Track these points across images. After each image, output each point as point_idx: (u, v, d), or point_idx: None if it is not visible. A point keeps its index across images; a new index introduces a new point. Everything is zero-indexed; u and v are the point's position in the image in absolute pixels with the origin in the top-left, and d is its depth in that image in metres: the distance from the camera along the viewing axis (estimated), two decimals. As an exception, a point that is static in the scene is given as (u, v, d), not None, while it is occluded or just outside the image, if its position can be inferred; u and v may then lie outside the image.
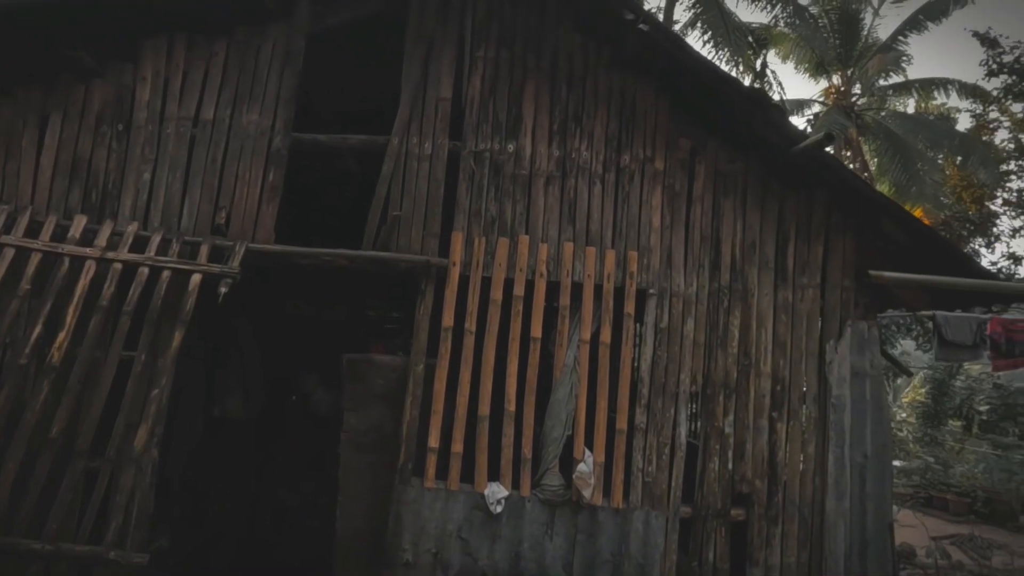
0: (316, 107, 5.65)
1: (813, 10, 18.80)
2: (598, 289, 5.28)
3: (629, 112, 5.44)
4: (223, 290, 4.80)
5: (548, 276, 5.27)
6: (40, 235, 4.88)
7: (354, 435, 5.38)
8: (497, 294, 5.25)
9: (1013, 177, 19.31)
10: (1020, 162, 19.03)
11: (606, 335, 5.25)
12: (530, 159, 5.37)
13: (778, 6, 18.03)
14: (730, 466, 5.21)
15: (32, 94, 5.24)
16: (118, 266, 4.82)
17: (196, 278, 4.84)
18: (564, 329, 5.24)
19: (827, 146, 4.82)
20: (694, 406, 6.15)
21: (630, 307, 5.28)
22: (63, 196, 5.14)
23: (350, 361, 5.37)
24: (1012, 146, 19.11)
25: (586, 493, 4.97)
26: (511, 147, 5.37)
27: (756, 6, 18.10)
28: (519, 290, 5.25)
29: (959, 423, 19.40)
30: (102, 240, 4.91)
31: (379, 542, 5.27)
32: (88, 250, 4.84)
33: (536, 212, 5.34)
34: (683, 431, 5.24)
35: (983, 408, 19.59)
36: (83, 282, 4.75)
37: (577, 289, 5.28)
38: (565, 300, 5.26)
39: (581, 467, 4.98)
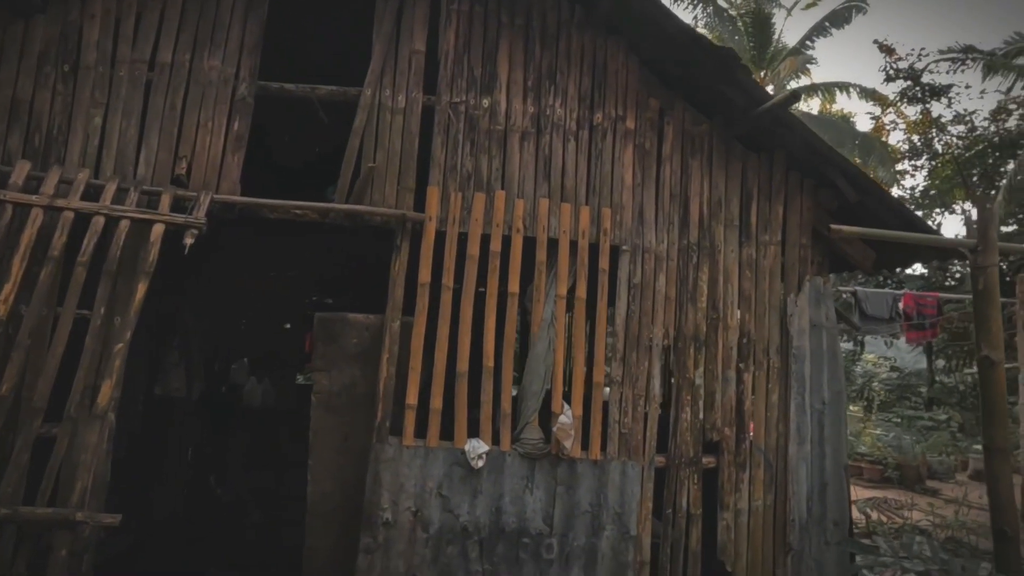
0: (282, 56, 5.39)
1: (732, 12, 19.68)
2: (573, 245, 5.32)
3: (601, 71, 5.51)
4: (189, 241, 4.52)
5: (525, 232, 5.25)
6: (-30, 179, 4.42)
7: (325, 396, 5.19)
8: (474, 249, 5.18)
9: (907, 176, 20.90)
10: (913, 162, 20.59)
11: (581, 290, 5.29)
12: (505, 114, 5.34)
13: (699, 7, 18.78)
14: (701, 416, 5.35)
15: (-39, 29, 4.75)
16: (69, 215, 4.44)
17: (158, 228, 4.52)
18: (541, 284, 5.24)
19: (792, 105, 5.04)
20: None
21: (604, 263, 5.33)
22: (0, 140, 4.68)
23: (322, 320, 5.17)
24: (906, 147, 20.66)
25: (567, 444, 4.98)
26: (486, 102, 5.32)
27: (678, 6, 18.80)
28: (496, 245, 5.21)
29: (861, 404, 20.80)
30: (49, 187, 4.51)
31: (352, 504, 5.11)
32: (34, 198, 4.43)
33: (512, 168, 5.31)
34: (657, 383, 5.34)
35: (881, 390, 21.08)
36: (30, 231, 4.35)
37: (553, 245, 5.29)
38: (542, 256, 5.26)
39: (562, 419, 4.99)
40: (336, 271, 9.20)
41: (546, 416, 5.15)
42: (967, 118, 18.11)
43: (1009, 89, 17.21)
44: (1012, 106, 17.59)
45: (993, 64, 15.79)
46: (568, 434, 4.98)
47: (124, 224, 4.48)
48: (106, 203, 4.52)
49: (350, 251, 8.26)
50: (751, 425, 5.40)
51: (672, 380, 5.43)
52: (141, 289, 4.33)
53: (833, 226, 5.21)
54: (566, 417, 5.00)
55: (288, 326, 11.60)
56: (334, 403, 5.20)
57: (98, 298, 4.28)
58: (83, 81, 4.82)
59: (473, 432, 5.04)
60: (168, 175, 4.82)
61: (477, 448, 4.97)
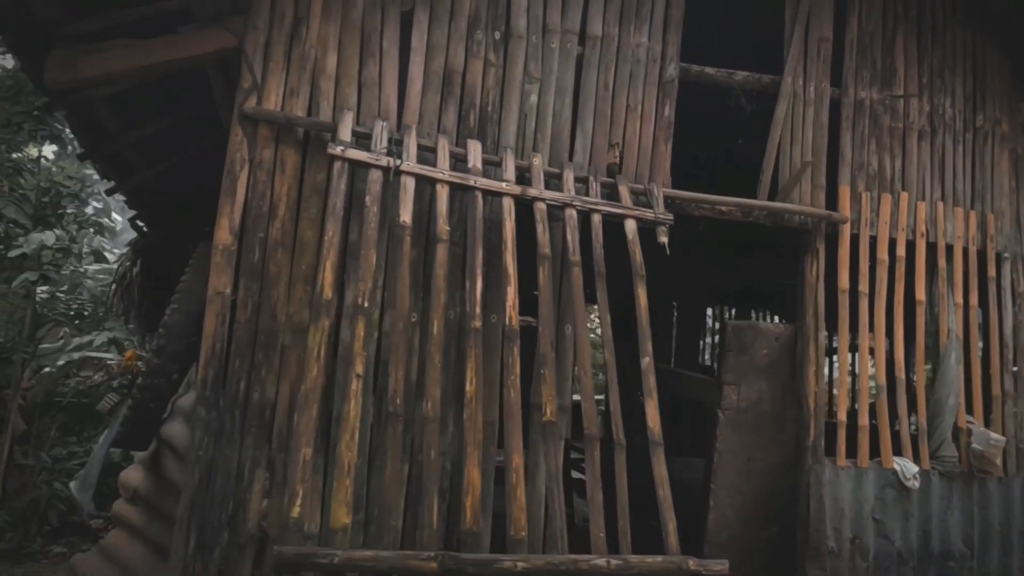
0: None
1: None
2: (964, 251, 5.14)
3: (981, 72, 5.40)
4: (664, 239, 4.02)
5: (927, 236, 5.02)
6: (437, 163, 3.76)
7: (733, 413, 4.79)
8: (884, 254, 4.92)
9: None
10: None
11: (973, 298, 5.14)
12: (903, 112, 5.09)
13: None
14: (1081, 429, 5.29)
15: (392, -19, 4.04)
16: (542, 206, 3.87)
17: (631, 224, 4.01)
18: (945, 292, 5.02)
19: None
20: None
21: (992, 270, 5.20)
22: (435, 115, 4.03)
23: (735, 328, 4.77)
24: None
25: (999, 462, 4.78)
26: (886, 97, 5.05)
27: None
28: (901, 250, 4.96)
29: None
30: (509, 173, 3.89)
31: (750, 535, 4.77)
32: (504, 185, 3.81)
33: (911, 168, 5.10)
34: (1042, 395, 5.23)
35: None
36: (509, 224, 3.74)
37: (948, 251, 5.10)
38: (942, 262, 5.06)
39: (994, 436, 4.81)
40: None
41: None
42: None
43: None
44: None
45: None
46: (1000, 452, 4.78)
47: (597, 219, 3.96)
48: (570, 193, 3.94)
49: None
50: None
51: (1055, 392, 5.33)
52: (642, 294, 3.80)
53: None
54: (998, 435, 4.80)
55: None
56: (740, 420, 4.81)
57: (600, 304, 3.71)
58: (515, 51, 4.22)
59: (895, 450, 4.76)
60: (603, 164, 4.28)
61: (909, 468, 4.70)
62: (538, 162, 4.04)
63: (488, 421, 3.68)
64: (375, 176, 3.59)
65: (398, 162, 3.57)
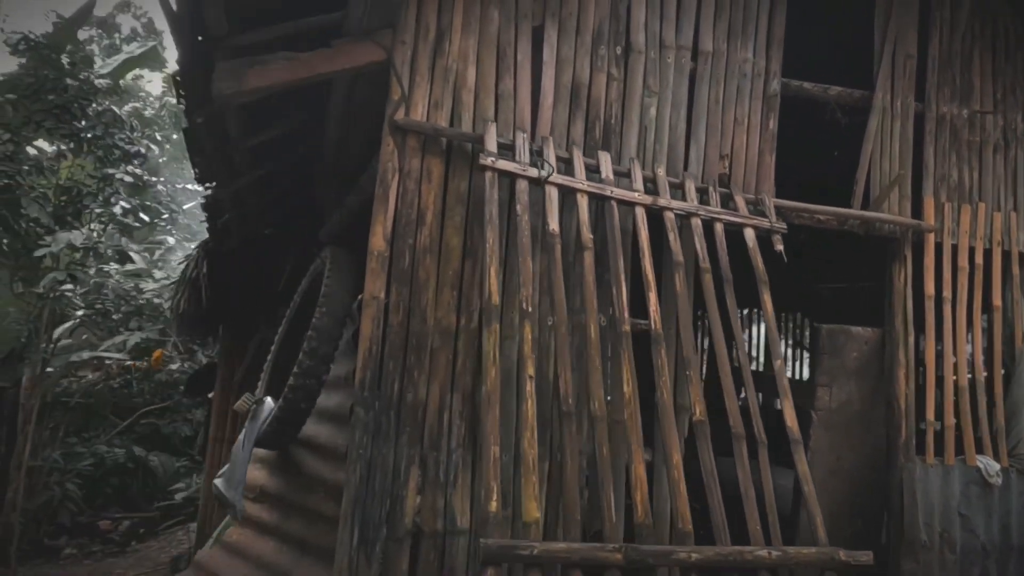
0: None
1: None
2: (1031, 260, 5.43)
3: (1049, 89, 5.64)
4: (780, 247, 4.23)
5: (1002, 245, 5.29)
6: (575, 173, 3.93)
7: (825, 414, 5.02)
8: (963, 261, 5.18)
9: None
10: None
11: (1043, 305, 5.40)
12: (980, 126, 5.35)
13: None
14: None
15: (522, -2, 4.21)
16: (671, 215, 4.07)
17: (750, 233, 4.23)
18: (1019, 297, 5.29)
19: None
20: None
21: (1062, 280, 5.46)
22: (565, 127, 4.21)
23: (829, 332, 5.00)
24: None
25: (1074, 460, 5.05)
26: (965, 112, 5.31)
27: None
28: (979, 258, 5.21)
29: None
30: (638, 183, 4.08)
31: (838, 533, 4.94)
32: (635, 195, 4.00)
33: (986, 179, 5.37)
34: (1104, 396, 5.51)
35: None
36: (644, 233, 3.93)
37: (1021, 258, 5.37)
38: (1016, 269, 5.33)
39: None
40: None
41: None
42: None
43: None
44: None
45: None
46: (1075, 450, 5.05)
47: (719, 227, 4.16)
48: (693, 203, 4.14)
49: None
50: None
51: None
52: (768, 300, 4.01)
53: None
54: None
55: None
56: (832, 421, 5.03)
57: (730, 310, 3.91)
58: (635, 66, 4.40)
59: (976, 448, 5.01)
60: (715, 175, 4.48)
61: (992, 465, 4.96)
62: (662, 173, 4.23)
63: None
64: (522, 186, 3.76)
65: (546, 173, 3.74)
